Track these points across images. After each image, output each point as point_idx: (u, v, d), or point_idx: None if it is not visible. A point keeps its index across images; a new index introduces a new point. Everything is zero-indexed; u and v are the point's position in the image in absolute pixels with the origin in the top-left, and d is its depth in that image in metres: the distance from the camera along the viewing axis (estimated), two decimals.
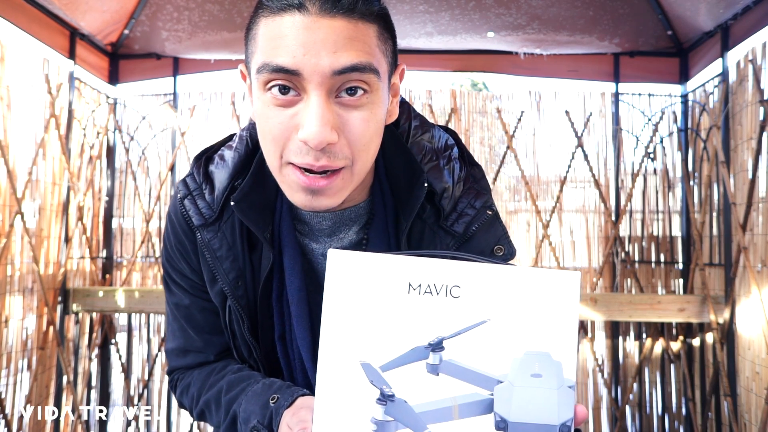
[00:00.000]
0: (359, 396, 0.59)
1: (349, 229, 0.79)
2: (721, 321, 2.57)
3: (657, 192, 3.09)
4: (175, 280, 0.86)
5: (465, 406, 0.60)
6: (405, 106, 0.84)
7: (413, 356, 0.60)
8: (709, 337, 2.70)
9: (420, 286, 0.60)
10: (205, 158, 0.82)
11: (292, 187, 0.69)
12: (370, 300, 0.60)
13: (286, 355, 0.82)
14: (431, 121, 0.94)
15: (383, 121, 0.71)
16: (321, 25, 0.63)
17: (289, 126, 0.66)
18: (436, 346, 0.60)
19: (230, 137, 0.85)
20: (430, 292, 0.60)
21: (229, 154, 0.80)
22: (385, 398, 0.59)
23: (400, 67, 0.75)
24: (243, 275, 0.78)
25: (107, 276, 3.16)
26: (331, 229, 0.79)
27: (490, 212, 0.79)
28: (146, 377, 3.15)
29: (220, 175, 0.79)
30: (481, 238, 0.79)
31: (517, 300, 0.61)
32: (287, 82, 0.64)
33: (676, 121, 3.04)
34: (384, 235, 0.78)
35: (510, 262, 0.80)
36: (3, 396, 2.38)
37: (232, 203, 0.76)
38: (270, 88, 0.66)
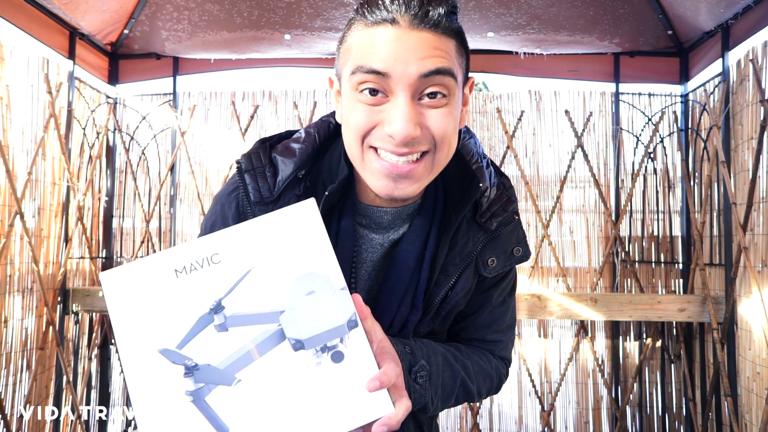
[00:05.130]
0: (169, 379, 0.66)
1: (404, 223, 0.87)
2: (721, 321, 2.57)
3: (657, 192, 3.09)
4: None
5: (261, 344, 0.67)
6: None
7: (202, 325, 0.67)
8: (710, 337, 2.70)
9: (185, 268, 0.68)
10: (269, 144, 0.88)
11: (375, 174, 0.76)
12: (148, 298, 0.67)
13: None
14: None
15: (457, 124, 0.78)
16: (410, 36, 0.71)
17: (375, 119, 0.74)
18: (217, 308, 0.67)
19: (290, 132, 0.91)
20: (196, 269, 0.68)
21: (296, 147, 0.86)
22: (191, 369, 0.66)
23: (470, 80, 0.83)
24: None
25: None
26: (389, 222, 0.86)
27: (516, 217, 0.91)
28: None
29: (286, 163, 0.84)
30: (506, 237, 0.90)
31: (270, 242, 0.70)
32: (377, 84, 0.72)
33: (676, 121, 3.04)
34: (425, 227, 0.85)
35: (522, 264, 0.89)
36: (3, 396, 2.37)
37: (326, 193, 0.82)
38: (361, 91, 0.73)
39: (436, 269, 0.85)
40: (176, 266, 0.68)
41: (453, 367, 0.86)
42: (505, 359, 0.99)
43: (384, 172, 0.74)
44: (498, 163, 3.11)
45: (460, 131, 0.89)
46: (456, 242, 0.86)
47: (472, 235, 0.87)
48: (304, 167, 0.84)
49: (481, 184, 0.85)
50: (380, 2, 0.73)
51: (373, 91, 0.73)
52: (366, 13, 0.74)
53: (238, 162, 0.85)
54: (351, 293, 0.70)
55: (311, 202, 0.71)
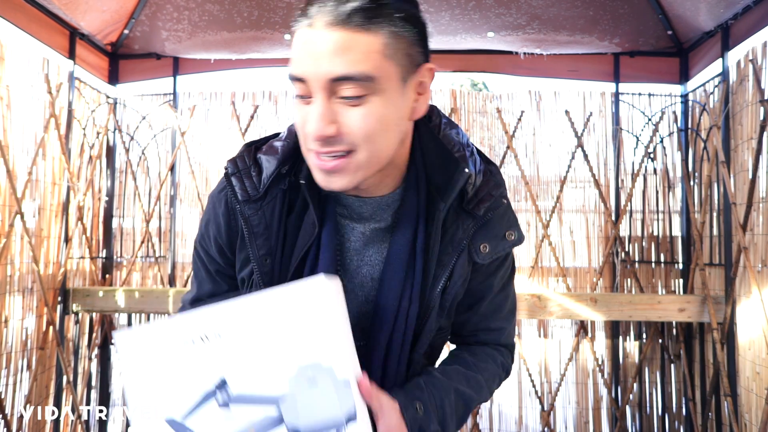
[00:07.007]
0: None
1: (385, 213, 0.88)
2: (721, 321, 2.57)
3: (657, 192, 3.09)
4: (204, 261, 0.95)
5: (260, 426, 0.69)
6: (432, 106, 0.93)
7: (206, 399, 0.70)
8: (709, 338, 2.70)
9: (194, 339, 0.70)
10: (254, 146, 0.91)
11: (314, 170, 0.79)
12: (159, 364, 0.70)
13: None
14: None
15: (396, 118, 0.77)
16: (323, 38, 0.71)
17: (305, 122, 0.76)
18: (221, 386, 0.70)
19: (276, 134, 0.94)
20: (205, 341, 0.70)
21: (278, 144, 0.89)
22: None
23: (422, 67, 0.79)
24: (272, 254, 0.87)
25: (107, 276, 3.16)
26: (370, 213, 0.87)
27: (505, 200, 0.89)
28: None
29: (269, 161, 0.87)
30: (497, 222, 0.89)
31: (278, 321, 0.70)
32: (302, 89, 0.75)
33: (676, 121, 3.04)
34: (412, 217, 0.86)
35: (516, 248, 0.92)
36: (3, 396, 2.37)
37: (302, 182, 0.85)
38: (296, 96, 0.77)
39: (431, 260, 0.85)
40: (187, 335, 0.70)
41: (465, 395, 0.88)
42: (509, 346, 1.01)
43: (319, 167, 0.77)
44: (498, 164, 3.11)
45: (430, 122, 0.89)
46: (446, 231, 0.86)
47: (461, 223, 0.87)
48: (286, 163, 0.87)
49: (466, 170, 0.85)
50: (306, 6, 0.75)
51: (304, 95, 0.75)
52: (298, 18, 0.76)
53: (225, 167, 0.88)
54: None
55: (331, 281, 0.70)
